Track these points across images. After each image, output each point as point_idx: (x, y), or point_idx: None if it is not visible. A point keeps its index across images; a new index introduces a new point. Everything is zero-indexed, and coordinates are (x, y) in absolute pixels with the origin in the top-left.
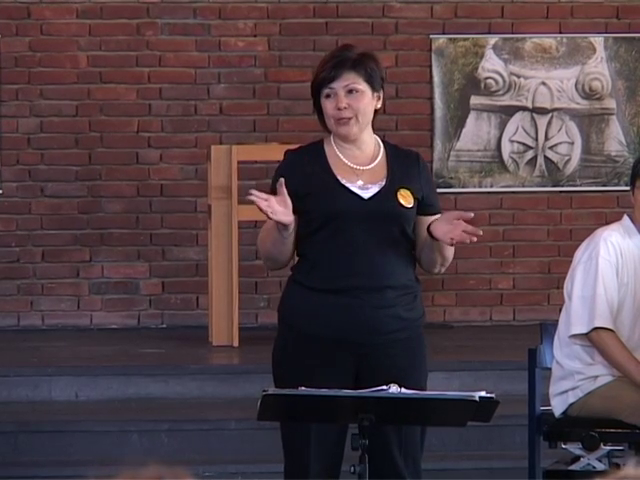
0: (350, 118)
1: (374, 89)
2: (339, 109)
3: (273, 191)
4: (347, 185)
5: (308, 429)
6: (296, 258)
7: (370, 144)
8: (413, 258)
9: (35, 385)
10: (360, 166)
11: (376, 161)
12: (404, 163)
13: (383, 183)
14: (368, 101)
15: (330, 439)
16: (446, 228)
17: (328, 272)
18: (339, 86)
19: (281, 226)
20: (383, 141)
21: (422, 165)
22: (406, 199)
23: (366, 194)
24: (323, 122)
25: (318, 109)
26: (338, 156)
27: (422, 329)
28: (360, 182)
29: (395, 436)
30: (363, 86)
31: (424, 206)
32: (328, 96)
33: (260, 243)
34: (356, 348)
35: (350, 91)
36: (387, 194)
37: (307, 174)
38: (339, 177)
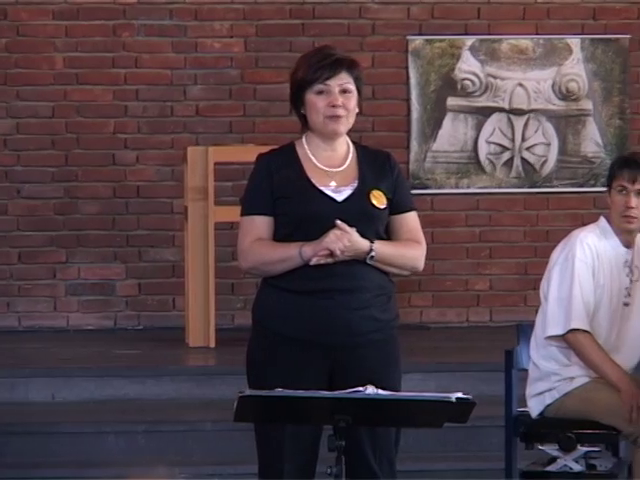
0: (341, 116)
1: (359, 93)
2: (334, 106)
3: (243, 197)
4: (321, 188)
5: (283, 430)
6: None
7: (343, 145)
8: None
9: (11, 386)
10: (332, 168)
11: (347, 162)
12: (374, 164)
13: (355, 185)
14: (355, 103)
15: (305, 440)
16: None
17: (304, 274)
18: (335, 84)
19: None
20: (353, 142)
21: (393, 164)
22: (379, 200)
23: (339, 197)
24: (303, 119)
25: (298, 106)
26: (310, 159)
27: (396, 331)
28: (333, 184)
29: (368, 437)
30: (353, 88)
31: (396, 205)
32: (321, 92)
33: (262, 257)
34: (331, 349)
35: (344, 91)
36: (360, 196)
37: (282, 177)
38: (313, 180)
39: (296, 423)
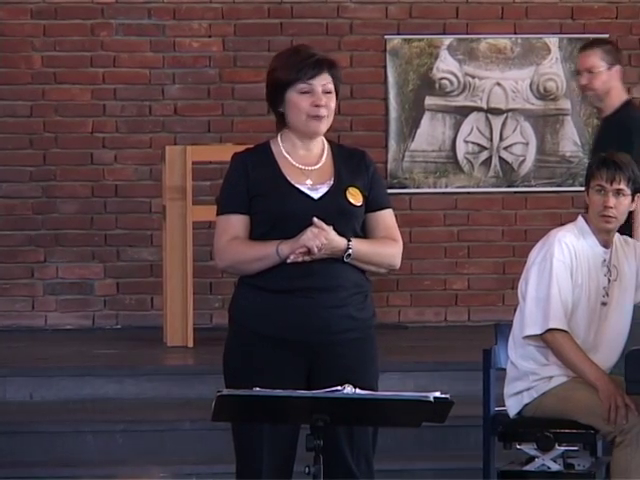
0: (324, 117)
1: (337, 93)
2: (317, 106)
3: (219, 197)
4: (297, 186)
5: (260, 429)
6: None
7: (318, 144)
8: None
9: None
10: (308, 166)
11: (322, 160)
12: (350, 161)
13: (331, 182)
14: (335, 103)
15: (283, 439)
16: None
17: (281, 272)
18: (318, 84)
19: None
20: (328, 141)
21: (368, 162)
22: (355, 197)
23: (316, 194)
24: (279, 118)
25: (276, 104)
26: (286, 157)
27: (373, 329)
28: (309, 182)
29: (346, 436)
30: (334, 88)
31: (372, 203)
32: (304, 92)
33: (238, 256)
34: (308, 348)
35: (325, 91)
36: (336, 193)
37: (258, 175)
38: (289, 178)
39: (274, 422)
